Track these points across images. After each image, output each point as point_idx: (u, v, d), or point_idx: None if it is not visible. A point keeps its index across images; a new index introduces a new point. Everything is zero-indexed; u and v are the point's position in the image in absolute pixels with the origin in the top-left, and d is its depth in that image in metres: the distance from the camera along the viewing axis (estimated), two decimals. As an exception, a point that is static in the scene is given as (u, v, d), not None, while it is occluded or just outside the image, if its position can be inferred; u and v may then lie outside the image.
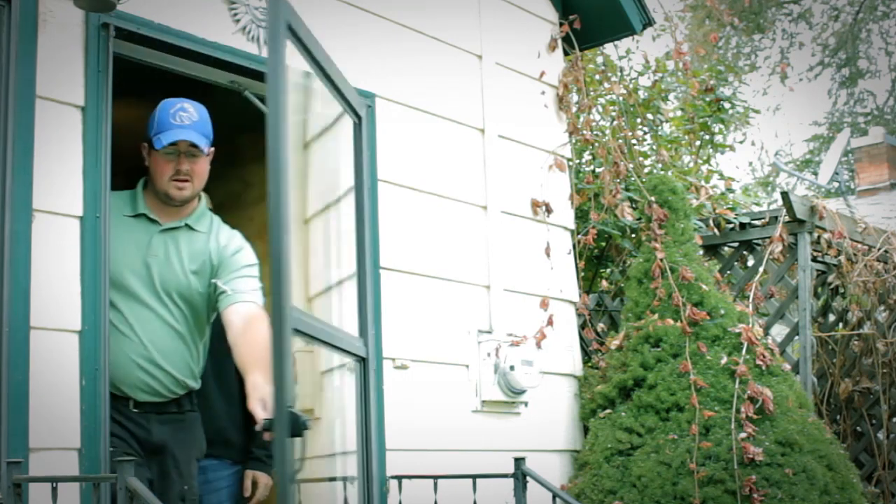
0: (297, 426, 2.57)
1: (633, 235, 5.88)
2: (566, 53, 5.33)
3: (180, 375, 3.35)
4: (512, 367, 4.47)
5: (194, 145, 3.30)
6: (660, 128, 6.63)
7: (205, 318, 3.42)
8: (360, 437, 4.04)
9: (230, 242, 3.43)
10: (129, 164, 5.17)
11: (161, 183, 3.33)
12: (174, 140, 3.28)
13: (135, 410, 3.29)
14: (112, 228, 3.25)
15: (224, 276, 3.35)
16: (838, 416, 6.09)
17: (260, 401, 2.90)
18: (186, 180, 3.32)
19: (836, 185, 12.66)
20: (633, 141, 6.06)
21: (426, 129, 4.50)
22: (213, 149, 3.39)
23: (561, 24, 5.25)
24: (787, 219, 5.63)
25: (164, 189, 3.33)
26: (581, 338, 5.22)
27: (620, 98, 5.92)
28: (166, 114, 3.31)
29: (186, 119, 3.30)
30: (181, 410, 3.42)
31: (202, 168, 3.37)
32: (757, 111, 7.32)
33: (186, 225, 3.38)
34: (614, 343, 4.86)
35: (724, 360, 4.52)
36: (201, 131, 3.32)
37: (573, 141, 5.37)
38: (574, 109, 5.29)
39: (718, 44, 17.86)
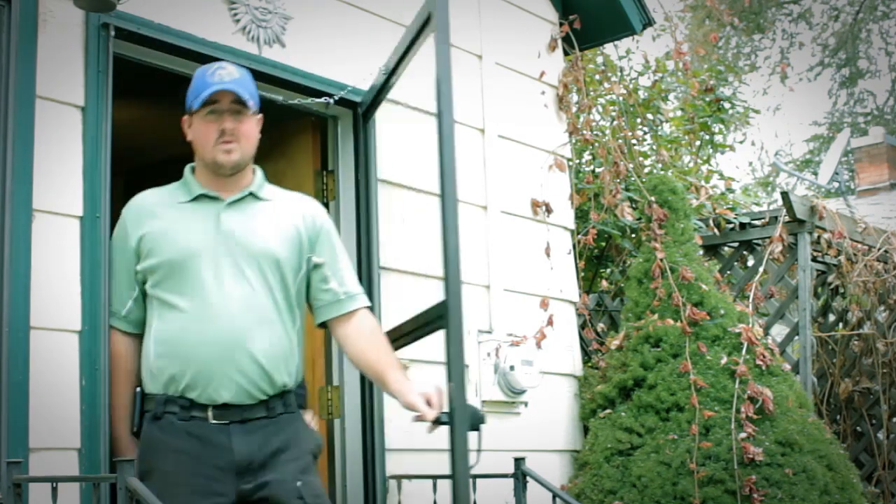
0: (476, 420, 2.60)
1: (633, 235, 5.88)
2: (566, 53, 5.33)
3: (271, 367, 2.89)
4: (512, 367, 4.48)
5: (238, 101, 2.95)
6: (660, 128, 6.63)
7: (294, 298, 3.01)
8: (365, 437, 4.05)
9: (315, 212, 3.12)
10: (129, 164, 5.17)
11: (207, 150, 2.96)
12: (214, 91, 2.92)
13: (214, 422, 2.85)
14: (170, 221, 2.96)
15: (322, 253, 3.06)
16: (838, 416, 6.09)
17: (421, 396, 2.85)
18: (233, 141, 2.95)
19: (836, 185, 12.66)
20: (633, 141, 6.07)
21: (426, 129, 4.49)
22: (261, 115, 3.05)
23: (561, 24, 5.26)
24: (787, 219, 5.63)
25: (211, 157, 2.96)
26: (581, 338, 5.22)
27: (620, 98, 5.93)
28: (203, 75, 2.98)
29: (226, 76, 2.96)
30: (272, 414, 2.92)
31: (249, 128, 2.99)
32: (757, 111, 7.34)
33: (251, 194, 3.03)
34: (614, 343, 4.86)
35: (724, 360, 4.52)
36: (244, 87, 2.97)
37: (573, 141, 5.37)
38: (574, 109, 5.30)
39: (718, 44, 17.86)
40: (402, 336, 3.45)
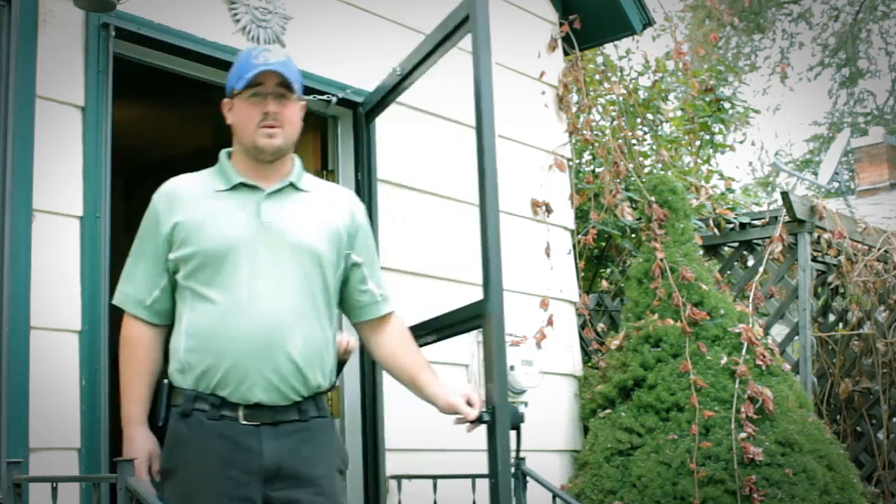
0: (516, 419, 2.61)
1: (633, 235, 5.88)
2: (566, 53, 5.34)
3: (306, 366, 2.76)
4: (512, 367, 4.47)
5: (283, 84, 2.82)
6: (660, 128, 6.63)
7: (334, 296, 2.90)
8: (365, 437, 4.06)
9: (354, 207, 3.01)
10: (129, 164, 5.17)
11: (248, 133, 2.83)
12: (259, 72, 2.79)
13: (244, 423, 2.70)
14: (207, 210, 2.80)
15: (362, 252, 2.97)
16: (838, 416, 6.09)
17: (462, 397, 2.86)
18: (276, 125, 2.82)
19: (836, 185, 12.66)
20: (633, 141, 6.07)
21: (426, 129, 4.50)
22: (304, 103, 2.94)
23: (561, 24, 5.26)
24: (787, 219, 5.63)
25: (251, 140, 2.83)
26: (581, 338, 5.22)
27: (620, 98, 5.93)
28: (247, 56, 2.86)
29: (272, 58, 2.83)
30: (304, 418, 2.78)
31: (292, 113, 2.86)
32: (757, 111, 7.34)
33: (291, 184, 2.89)
34: (614, 343, 4.86)
35: (724, 360, 4.52)
36: (290, 71, 2.85)
37: (573, 141, 5.37)
38: (574, 109, 5.30)
39: (718, 44, 17.86)
40: (424, 335, 3.39)
